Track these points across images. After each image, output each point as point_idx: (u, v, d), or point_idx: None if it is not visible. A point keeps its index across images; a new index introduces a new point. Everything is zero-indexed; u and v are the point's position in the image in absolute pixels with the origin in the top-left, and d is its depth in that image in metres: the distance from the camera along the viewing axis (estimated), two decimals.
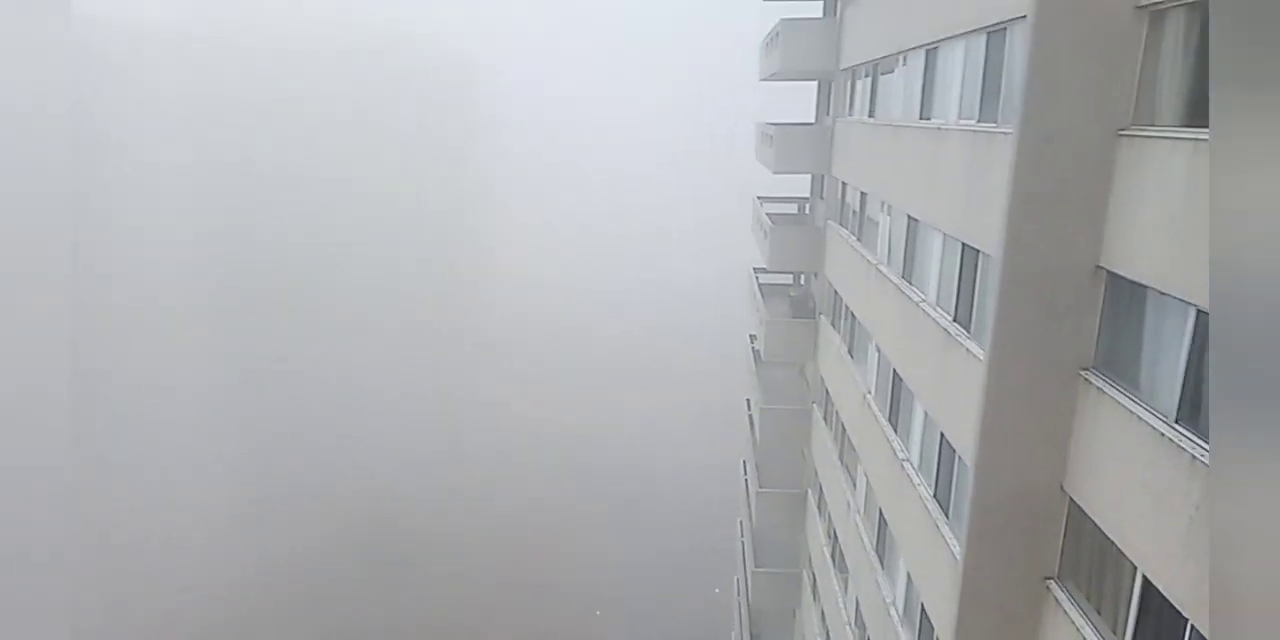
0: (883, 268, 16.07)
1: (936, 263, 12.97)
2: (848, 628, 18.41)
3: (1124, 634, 8.12)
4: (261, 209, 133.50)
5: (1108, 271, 8.70)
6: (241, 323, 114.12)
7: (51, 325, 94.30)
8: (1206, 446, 6.94)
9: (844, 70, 21.44)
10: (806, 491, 25.23)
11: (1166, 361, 7.70)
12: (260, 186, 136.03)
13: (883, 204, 16.65)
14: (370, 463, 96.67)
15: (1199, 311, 7.18)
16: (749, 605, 29.31)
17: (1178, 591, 7.14)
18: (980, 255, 11.10)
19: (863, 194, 18.78)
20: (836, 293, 21.16)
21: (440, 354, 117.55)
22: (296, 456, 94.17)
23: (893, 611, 14.51)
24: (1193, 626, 7.10)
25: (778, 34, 23.78)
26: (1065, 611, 9.19)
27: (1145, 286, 8.00)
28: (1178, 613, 7.24)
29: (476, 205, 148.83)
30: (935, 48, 13.66)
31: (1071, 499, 9.23)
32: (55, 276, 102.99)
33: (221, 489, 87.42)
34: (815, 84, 26.73)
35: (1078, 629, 8.89)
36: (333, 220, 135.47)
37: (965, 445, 10.63)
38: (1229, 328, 4.58)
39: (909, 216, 14.60)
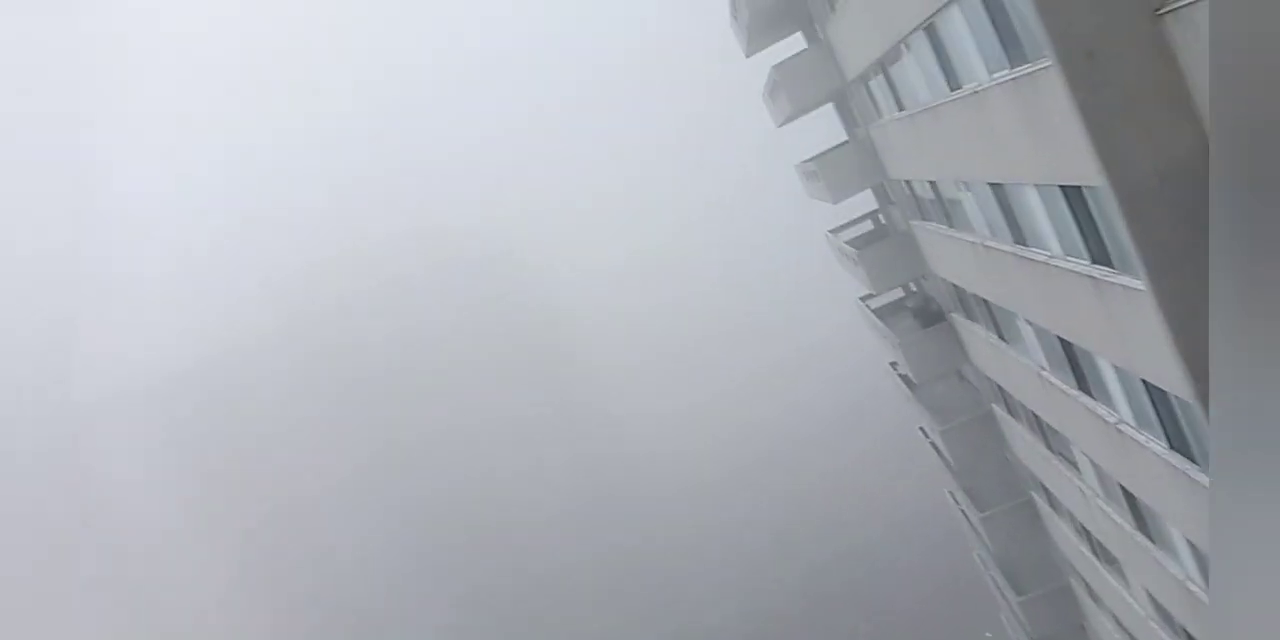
0: (991, 243, 15.29)
1: (1043, 215, 12.20)
2: (1150, 623, 16.42)
3: None
4: None
5: None
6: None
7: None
8: None
9: (854, 81, 21.32)
10: (1031, 496, 23.34)
11: None
12: None
13: (957, 183, 16.04)
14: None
15: None
16: (1031, 638, 26.71)
17: None
18: (1083, 189, 10.38)
19: (932, 183, 18.19)
20: (956, 286, 20.21)
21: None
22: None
23: (1192, 587, 12.85)
24: None
25: (774, 81, 23.99)
26: None
27: None
28: None
29: None
30: (932, 23, 13.41)
31: None
32: None
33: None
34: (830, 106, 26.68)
35: None
36: None
37: (1175, 380, 9.59)
38: None
39: (990, 184, 13.96)
